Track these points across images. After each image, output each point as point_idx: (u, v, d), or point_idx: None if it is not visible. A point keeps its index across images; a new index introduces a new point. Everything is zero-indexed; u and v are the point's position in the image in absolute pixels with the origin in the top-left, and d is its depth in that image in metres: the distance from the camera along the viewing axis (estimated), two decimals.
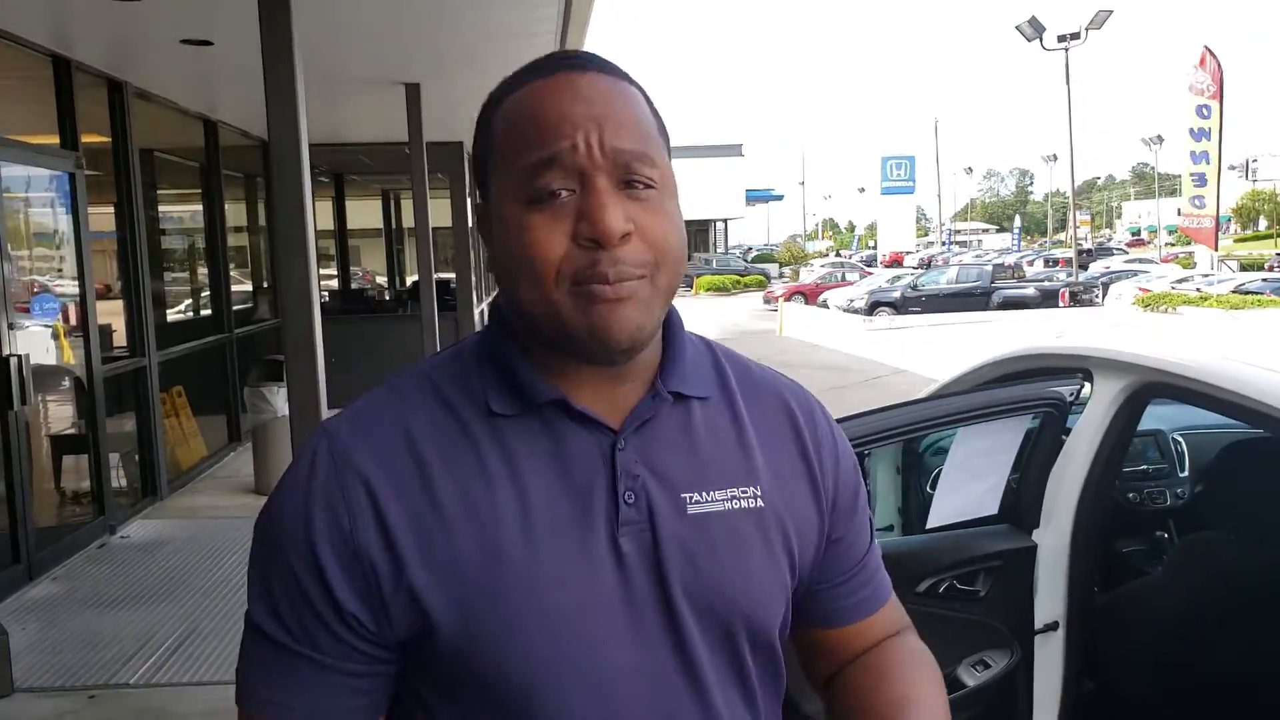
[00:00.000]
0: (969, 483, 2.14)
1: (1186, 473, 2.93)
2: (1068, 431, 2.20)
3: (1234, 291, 18.98)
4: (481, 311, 11.22)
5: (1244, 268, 29.75)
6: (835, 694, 1.02)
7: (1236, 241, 61.78)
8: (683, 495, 0.88)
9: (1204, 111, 17.32)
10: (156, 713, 3.47)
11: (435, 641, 0.82)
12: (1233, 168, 77.01)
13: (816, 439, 0.97)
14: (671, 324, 0.92)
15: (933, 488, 2.26)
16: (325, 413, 3.39)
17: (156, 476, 6.20)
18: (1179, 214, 20.37)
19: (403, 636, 0.83)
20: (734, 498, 0.90)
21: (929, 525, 2.17)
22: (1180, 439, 3.00)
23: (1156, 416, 2.92)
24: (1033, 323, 17.04)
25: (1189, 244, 29.43)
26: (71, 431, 5.57)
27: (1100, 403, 2.15)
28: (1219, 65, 17.31)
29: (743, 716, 0.91)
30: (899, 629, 1.05)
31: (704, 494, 0.89)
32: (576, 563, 0.84)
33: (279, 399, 6.13)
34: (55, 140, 5.29)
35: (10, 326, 4.58)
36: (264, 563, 0.84)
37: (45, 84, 5.20)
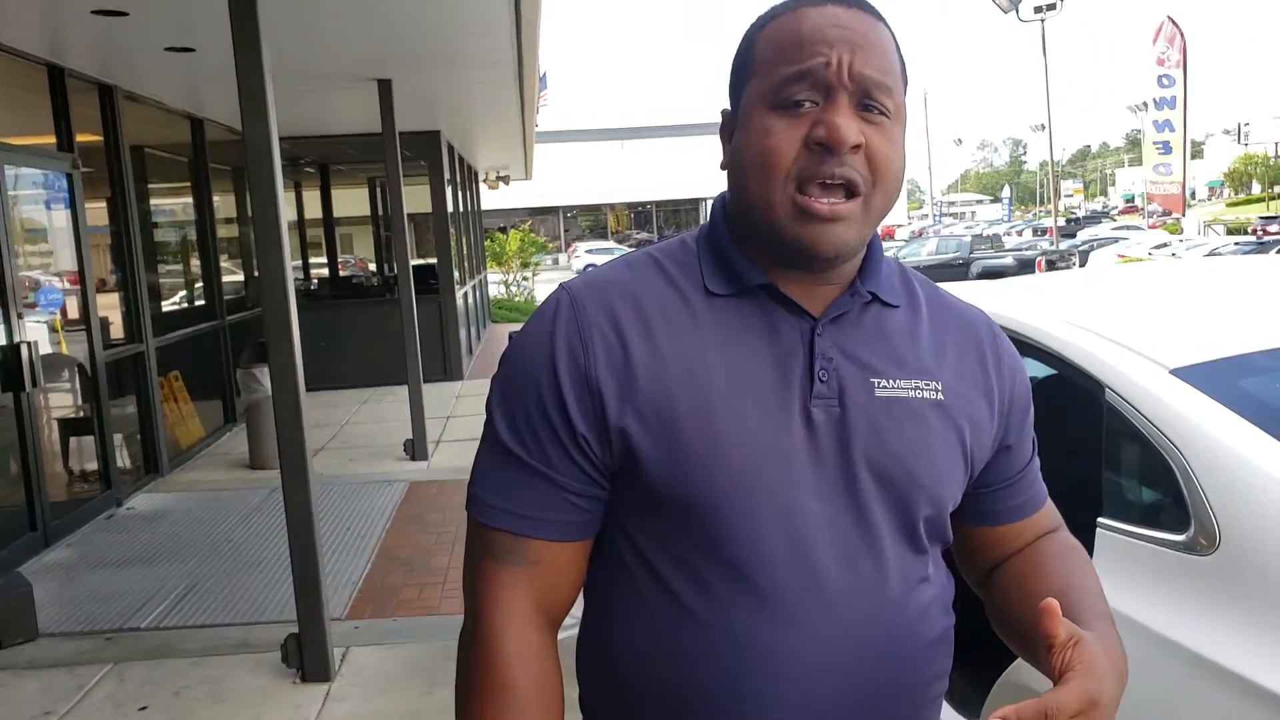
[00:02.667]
0: None
1: None
2: None
3: (1206, 255, 19.38)
4: (465, 293, 11.61)
5: (1230, 231, 30.05)
6: (995, 584, 1.10)
7: (1229, 205, 61.82)
8: (872, 379, 0.97)
9: (1165, 81, 17.66)
10: (165, 649, 3.91)
11: (645, 473, 0.93)
12: (1226, 132, 76.98)
13: (997, 354, 1.07)
14: (873, 241, 1.01)
15: None
16: (304, 389, 3.71)
17: (158, 454, 6.63)
18: (1146, 182, 20.73)
19: (620, 464, 0.94)
20: (918, 388, 0.98)
21: None
22: None
23: None
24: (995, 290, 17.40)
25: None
26: (78, 414, 5.99)
27: None
28: (1181, 35, 17.63)
29: (911, 571, 0.99)
30: (1054, 527, 1.14)
31: (891, 381, 0.97)
32: (774, 421, 0.93)
33: (269, 379, 6.56)
34: (52, 142, 5.69)
35: (20, 316, 4.99)
36: (509, 387, 0.97)
37: (41, 91, 5.59)
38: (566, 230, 44.32)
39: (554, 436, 0.95)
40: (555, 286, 1.03)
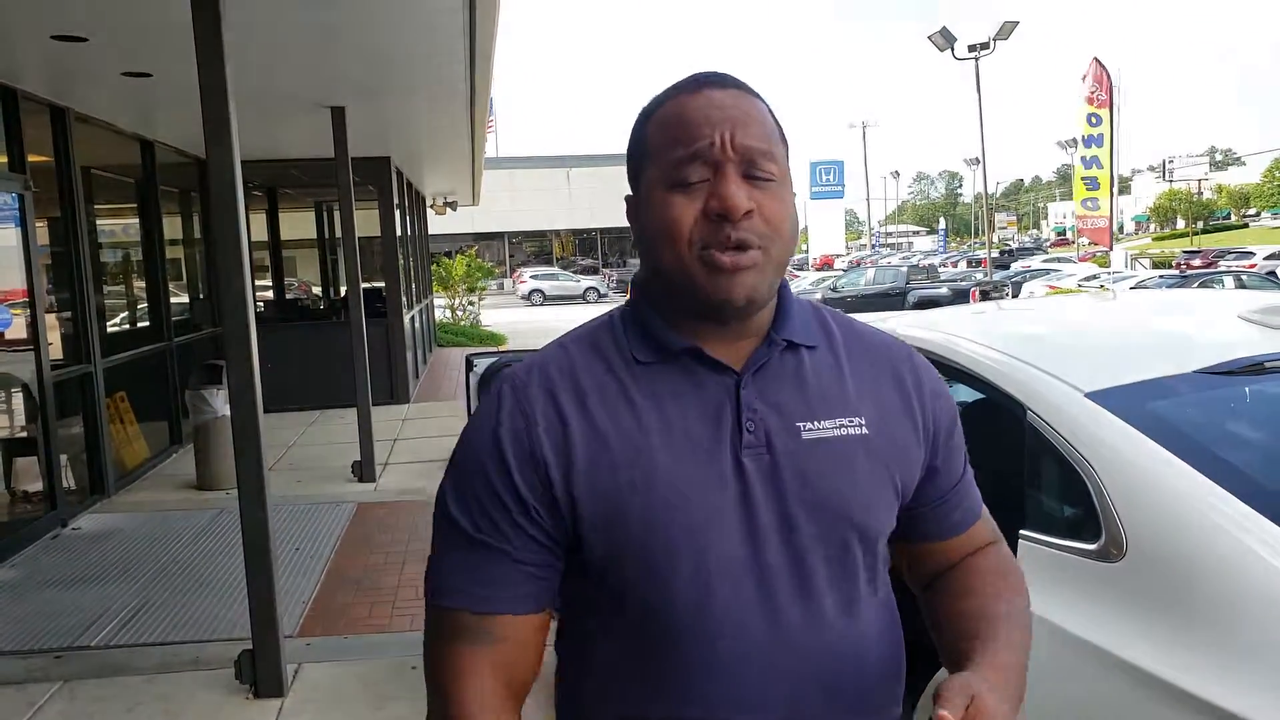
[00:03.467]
0: None
1: None
2: None
3: (1132, 288, 20.18)
4: (412, 317, 11.67)
5: (1155, 265, 31.18)
6: (933, 598, 1.17)
7: (1155, 240, 63.83)
8: (797, 424, 1.04)
9: (1094, 119, 18.45)
10: (116, 667, 3.95)
11: (592, 540, 1.01)
12: (1152, 168, 79.77)
13: (918, 379, 1.13)
14: (783, 289, 1.09)
15: None
16: (262, 408, 3.77)
17: (104, 475, 6.60)
18: (1074, 216, 21.54)
19: (570, 531, 1.01)
20: (841, 426, 1.05)
21: None
22: None
23: None
24: (928, 318, 17.90)
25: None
26: (24, 434, 5.96)
27: None
28: (1107, 75, 18.46)
29: (850, 599, 1.05)
30: (989, 542, 1.20)
31: (815, 423, 1.04)
32: (706, 474, 1.01)
33: (219, 400, 6.59)
34: (4, 162, 5.70)
35: None
36: (460, 476, 1.05)
37: None
38: (512, 255, 44.36)
39: (505, 513, 1.01)
40: (498, 378, 1.11)
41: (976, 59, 26.45)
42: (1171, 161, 71.15)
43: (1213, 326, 2.62)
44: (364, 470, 6.97)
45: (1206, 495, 1.77)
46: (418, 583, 4.88)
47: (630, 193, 1.10)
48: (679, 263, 1.01)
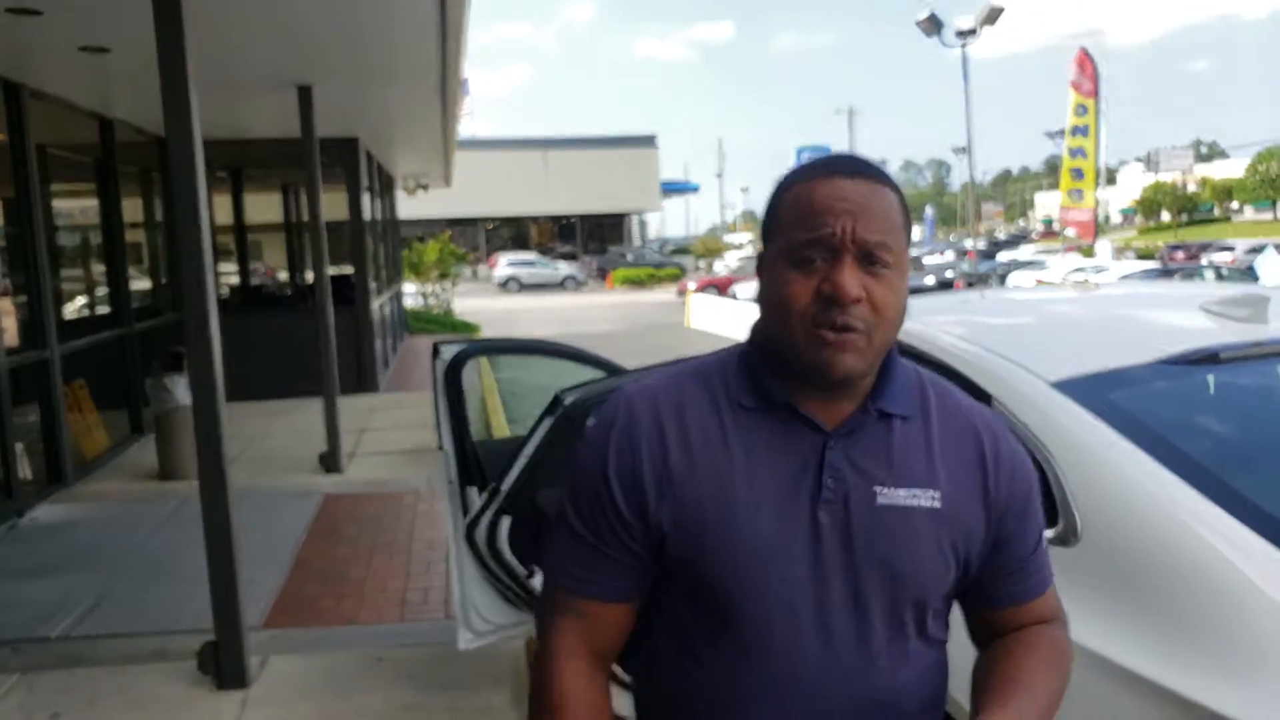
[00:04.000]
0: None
1: None
2: None
3: (1120, 279, 20.35)
4: (381, 304, 11.52)
5: (1140, 257, 31.44)
6: (981, 659, 1.26)
7: (1140, 233, 64.44)
8: (874, 488, 1.14)
9: (1081, 110, 18.54)
10: (77, 659, 3.83)
11: (675, 559, 1.16)
12: (1139, 160, 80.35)
13: (997, 458, 1.21)
14: (890, 358, 1.18)
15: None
16: (223, 395, 3.67)
17: (62, 464, 6.44)
18: (1060, 208, 21.67)
19: (658, 546, 1.16)
20: (915, 495, 1.15)
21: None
22: None
23: None
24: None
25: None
26: None
27: None
28: (1094, 66, 18.55)
29: (897, 651, 1.16)
30: (1048, 619, 1.27)
31: (891, 489, 1.15)
32: (784, 522, 1.13)
33: (180, 388, 6.43)
34: None
35: None
36: (577, 478, 1.21)
37: None
38: (488, 241, 43.87)
39: (605, 520, 1.18)
40: (618, 392, 1.25)
41: (964, 45, 26.44)
42: (1157, 153, 71.72)
43: (1177, 318, 2.67)
44: (331, 461, 6.84)
45: (1160, 483, 1.80)
46: (386, 575, 4.83)
47: (763, 249, 1.21)
48: (789, 333, 1.12)
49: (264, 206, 14.86)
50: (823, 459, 1.14)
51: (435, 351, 3.28)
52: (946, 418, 1.22)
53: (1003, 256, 31.21)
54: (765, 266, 1.18)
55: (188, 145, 3.47)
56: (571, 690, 1.18)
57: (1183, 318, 2.61)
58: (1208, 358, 2.12)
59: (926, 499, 1.16)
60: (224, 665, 3.61)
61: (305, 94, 6.46)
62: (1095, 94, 18.82)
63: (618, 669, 1.29)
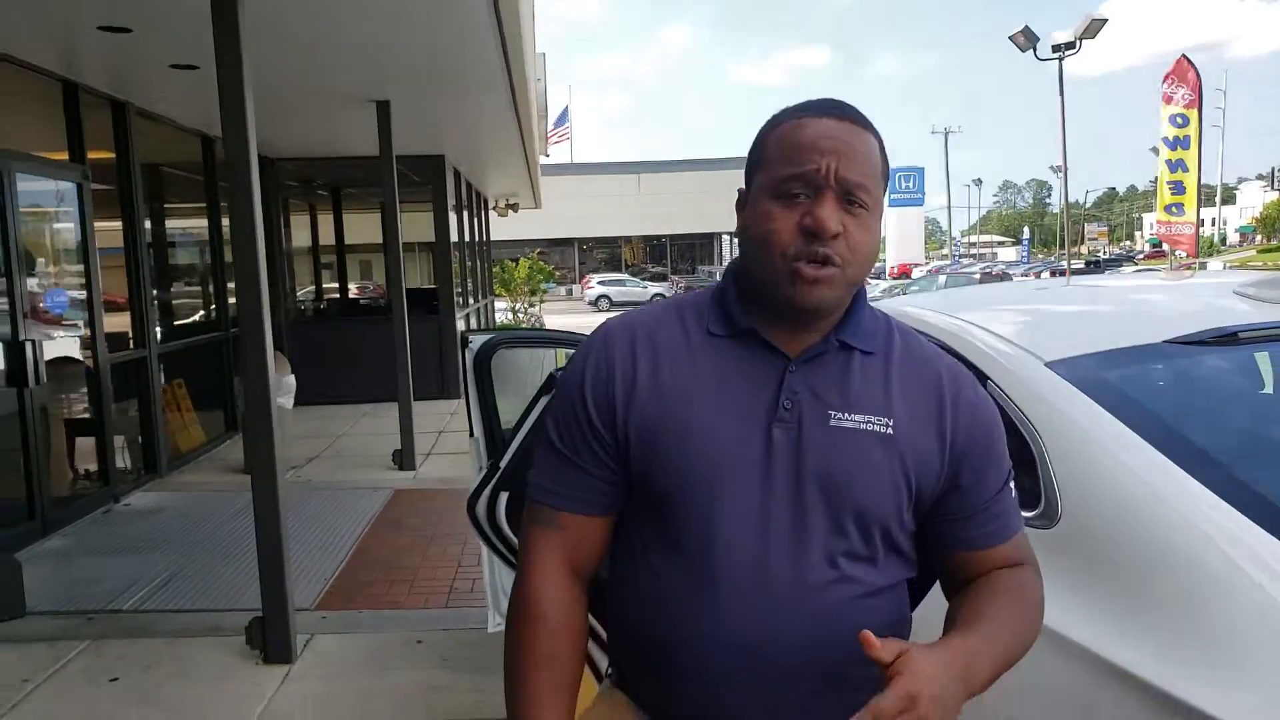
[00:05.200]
0: None
1: None
2: None
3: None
4: (466, 315, 11.86)
5: None
6: (949, 607, 1.29)
7: (1260, 252, 61.03)
8: (829, 412, 1.20)
9: (1178, 120, 17.75)
10: (141, 630, 4.10)
11: (636, 468, 1.23)
12: (1260, 176, 76.04)
13: (956, 402, 1.26)
14: (859, 298, 1.26)
15: None
16: (274, 391, 3.87)
17: (157, 456, 6.87)
18: (1156, 224, 20.71)
19: (625, 456, 1.24)
20: (869, 421, 1.20)
21: None
22: None
23: None
24: (921, 297, 17.48)
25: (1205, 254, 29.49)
26: (81, 414, 6.24)
27: None
28: (1196, 74, 17.73)
29: (837, 569, 1.20)
30: (1018, 562, 1.30)
31: (846, 414, 1.20)
32: (739, 435, 1.19)
33: None
34: (65, 156, 5.99)
35: (25, 315, 5.26)
36: (558, 400, 1.30)
37: (56, 105, 5.90)
38: (582, 262, 44.62)
39: (581, 435, 1.25)
40: (599, 323, 1.35)
41: (1060, 59, 25.68)
42: None
43: (1205, 301, 2.56)
44: (404, 459, 7.11)
45: (1148, 464, 1.72)
46: (440, 564, 5.00)
47: (743, 187, 1.27)
48: (769, 265, 1.17)
49: (370, 226, 15.48)
50: (782, 382, 1.21)
51: (464, 342, 3.43)
52: (909, 359, 1.27)
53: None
54: (748, 202, 1.23)
55: (244, 154, 3.70)
56: (548, 599, 1.25)
57: (1211, 300, 2.51)
58: (1224, 338, 2.03)
59: (880, 425, 1.21)
60: (270, 640, 3.81)
61: (383, 109, 6.77)
62: (1199, 105, 17.91)
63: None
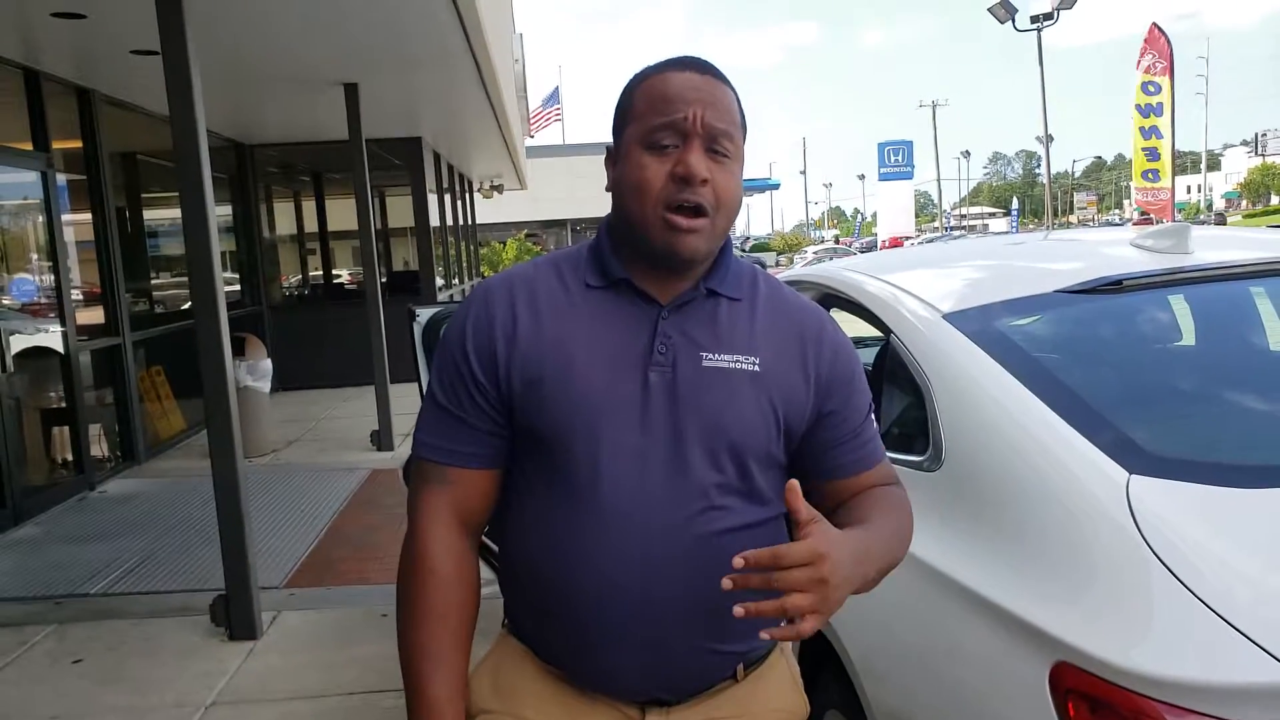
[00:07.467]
0: None
1: None
2: None
3: None
4: (450, 297, 11.85)
5: None
6: (834, 520, 1.33)
7: (1246, 217, 61.13)
8: (700, 353, 1.27)
9: (1150, 88, 17.72)
10: (109, 612, 4.14)
11: (521, 415, 1.27)
12: (1245, 143, 76.20)
13: (820, 341, 1.34)
14: (724, 250, 1.32)
15: None
16: (231, 374, 4.01)
17: (135, 443, 6.89)
18: (1134, 190, 20.70)
19: (509, 407, 1.27)
20: (737, 360, 1.27)
21: None
22: None
23: None
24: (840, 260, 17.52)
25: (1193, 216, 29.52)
26: (53, 402, 6.26)
27: None
28: (1167, 41, 17.69)
29: (711, 501, 1.26)
30: (886, 483, 1.39)
31: (716, 355, 1.27)
32: (617, 379, 1.25)
33: (241, 372, 6.82)
34: (29, 147, 5.98)
35: None
36: (441, 357, 1.32)
37: (18, 94, 5.88)
38: (575, 242, 44.62)
39: (465, 388, 1.28)
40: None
41: (1039, 29, 25.68)
42: (1265, 135, 67.88)
43: (1100, 253, 2.62)
44: (382, 440, 7.14)
45: (1025, 408, 1.79)
46: None
47: (611, 144, 1.31)
48: (643, 215, 1.23)
49: (351, 213, 15.40)
50: (656, 328, 1.27)
51: (411, 315, 3.46)
52: (774, 305, 1.35)
53: None
54: (619, 157, 1.28)
55: (192, 137, 3.70)
56: (439, 554, 1.28)
57: (1107, 252, 2.58)
58: (1110, 286, 2.10)
59: (747, 364, 1.28)
60: (234, 618, 3.85)
61: (352, 91, 6.75)
62: (1170, 72, 17.83)
63: (488, 540, 1.36)
